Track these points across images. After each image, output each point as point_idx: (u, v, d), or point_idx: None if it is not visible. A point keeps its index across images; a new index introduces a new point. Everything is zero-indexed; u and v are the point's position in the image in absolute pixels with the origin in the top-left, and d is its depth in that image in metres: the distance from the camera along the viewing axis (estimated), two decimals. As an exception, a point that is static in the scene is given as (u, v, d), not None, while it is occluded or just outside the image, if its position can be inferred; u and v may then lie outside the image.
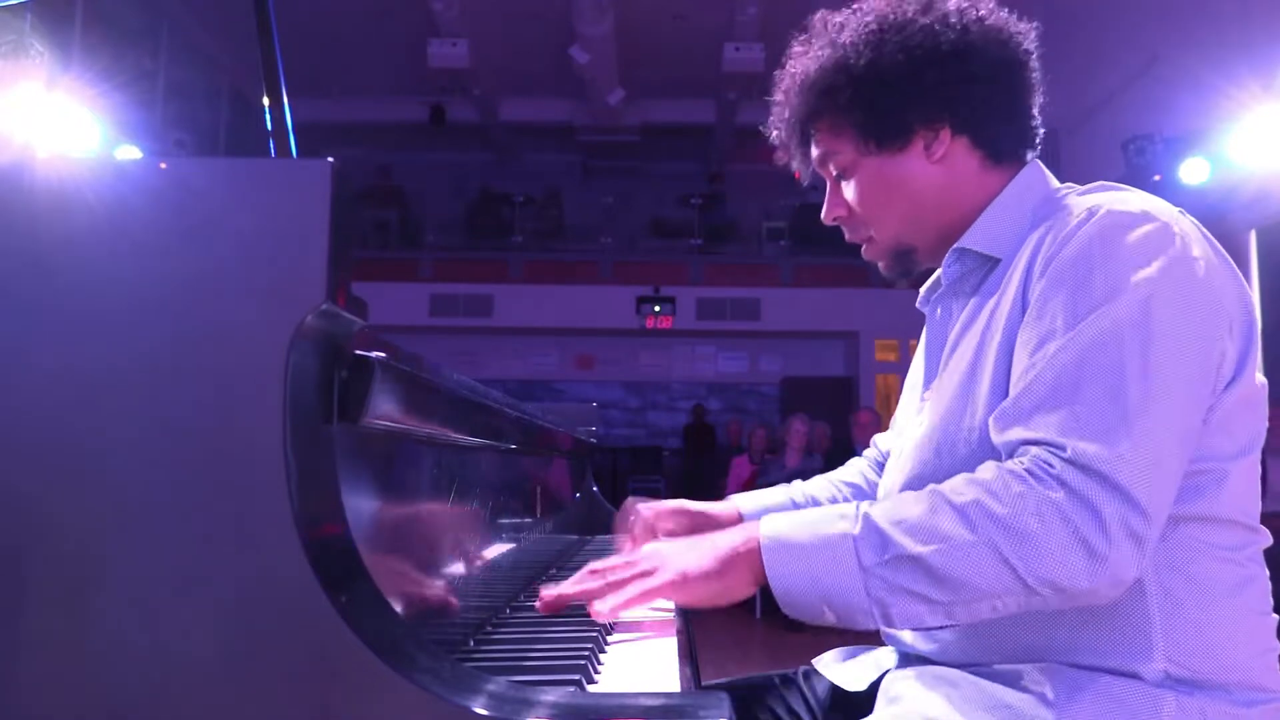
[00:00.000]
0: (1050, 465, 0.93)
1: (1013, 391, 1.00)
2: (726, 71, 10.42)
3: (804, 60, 1.20)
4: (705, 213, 13.26)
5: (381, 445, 0.94)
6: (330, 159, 0.77)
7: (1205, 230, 1.07)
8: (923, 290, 1.28)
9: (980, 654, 1.08)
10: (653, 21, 10.34)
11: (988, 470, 0.96)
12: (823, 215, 1.25)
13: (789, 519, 1.01)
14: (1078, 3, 8.12)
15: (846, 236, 1.25)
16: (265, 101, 1.53)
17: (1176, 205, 1.09)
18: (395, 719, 0.73)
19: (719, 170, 13.73)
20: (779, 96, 1.24)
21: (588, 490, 2.33)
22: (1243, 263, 7.99)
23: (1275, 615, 1.08)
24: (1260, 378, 1.06)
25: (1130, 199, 1.05)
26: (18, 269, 0.77)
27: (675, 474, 11.82)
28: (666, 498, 1.51)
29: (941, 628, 0.99)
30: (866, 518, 0.97)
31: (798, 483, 1.57)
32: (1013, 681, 1.03)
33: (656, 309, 12.04)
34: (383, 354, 0.84)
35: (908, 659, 1.20)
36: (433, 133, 11.90)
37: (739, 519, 1.46)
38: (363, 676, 0.74)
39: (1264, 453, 1.14)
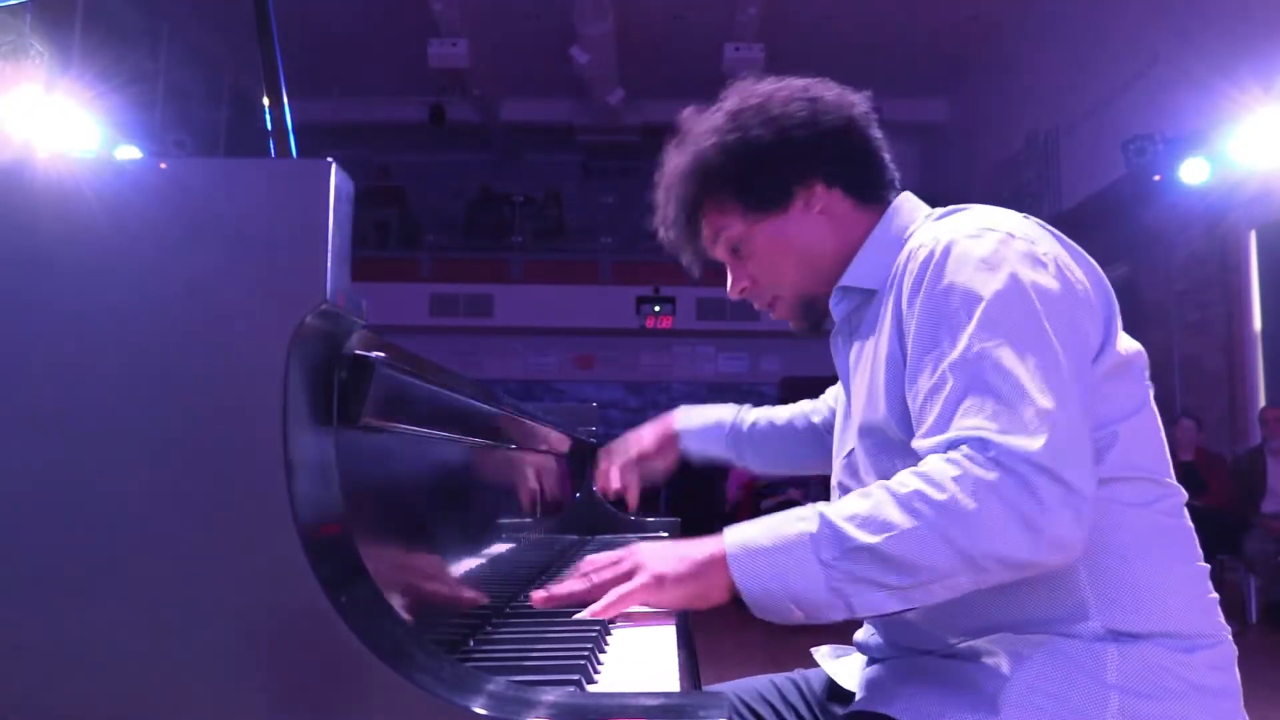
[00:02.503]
0: (984, 449, 1.00)
1: (923, 411, 1.08)
2: (727, 71, 10.42)
3: (678, 157, 1.31)
4: (705, 213, 13.22)
5: (381, 445, 0.94)
6: (330, 159, 0.77)
7: (1050, 227, 1.19)
8: (832, 335, 1.38)
9: (942, 637, 1.17)
10: (653, 21, 10.35)
11: (927, 463, 1.04)
12: (728, 292, 1.36)
13: (751, 528, 1.07)
14: (1078, 3, 8.12)
15: (755, 305, 1.36)
16: (265, 101, 1.53)
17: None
18: (395, 719, 0.73)
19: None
20: (660, 197, 1.35)
21: (588, 490, 2.33)
22: (1243, 262, 8.00)
23: (1205, 565, 1.16)
24: (1130, 344, 1.17)
25: (970, 220, 1.16)
26: (17, 269, 0.77)
27: (675, 474, 11.81)
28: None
29: (902, 612, 1.05)
30: (822, 516, 1.03)
31: (747, 405, 1.81)
32: (972, 657, 1.12)
33: (656, 309, 12.04)
34: (382, 354, 0.84)
35: (875, 661, 1.28)
36: (433, 133, 11.90)
37: (673, 437, 1.76)
38: (362, 677, 0.74)
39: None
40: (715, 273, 1.45)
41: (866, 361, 1.23)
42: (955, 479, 0.99)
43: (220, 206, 0.78)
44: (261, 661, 0.75)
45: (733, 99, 1.29)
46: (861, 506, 1.02)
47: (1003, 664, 1.08)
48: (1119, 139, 7.74)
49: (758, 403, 1.84)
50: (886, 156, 1.31)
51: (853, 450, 1.27)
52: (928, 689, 1.12)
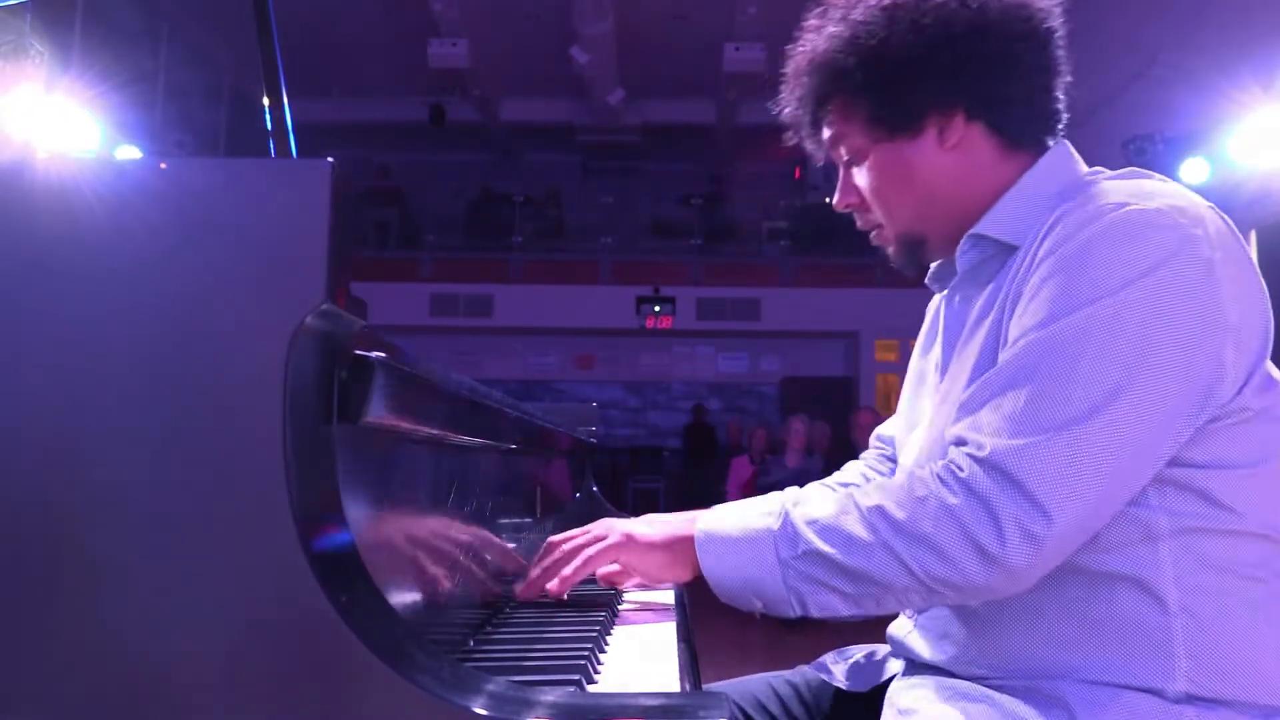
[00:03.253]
0: (960, 469, 0.96)
1: (975, 384, 1.00)
2: (727, 71, 10.41)
3: (816, 37, 1.15)
4: (705, 213, 13.25)
5: (382, 445, 0.94)
6: (330, 159, 0.77)
7: (1233, 225, 1.01)
8: (933, 268, 1.24)
9: (994, 668, 1.07)
10: (653, 21, 10.35)
11: (899, 476, 1.02)
12: (834, 202, 1.21)
13: (722, 514, 1.08)
14: (1078, 3, 8.12)
15: (858, 224, 1.21)
16: (265, 101, 1.53)
17: None
18: (395, 719, 0.73)
19: (719, 170, 13.72)
20: (790, 73, 1.19)
21: (588, 490, 2.33)
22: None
23: None
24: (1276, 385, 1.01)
25: (1158, 194, 0.99)
26: (17, 269, 0.77)
27: (675, 474, 11.81)
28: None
29: (854, 616, 1.04)
30: (786, 515, 1.03)
31: (792, 490, 1.59)
32: (1030, 697, 1.02)
33: (656, 309, 12.04)
34: (383, 354, 0.84)
35: (915, 666, 1.19)
36: (433, 133, 11.90)
37: None
38: (363, 677, 0.74)
39: None
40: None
41: (988, 324, 1.08)
42: (919, 500, 0.97)
43: (220, 206, 0.78)
44: (261, 661, 0.75)
45: None
46: (825, 511, 1.02)
47: (1070, 710, 0.98)
48: (1119, 139, 7.75)
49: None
50: (1058, 92, 1.12)
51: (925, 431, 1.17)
52: None
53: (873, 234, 1.20)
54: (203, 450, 0.76)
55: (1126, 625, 0.99)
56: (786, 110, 1.21)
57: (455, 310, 12.02)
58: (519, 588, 1.14)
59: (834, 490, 1.54)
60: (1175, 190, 1.01)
